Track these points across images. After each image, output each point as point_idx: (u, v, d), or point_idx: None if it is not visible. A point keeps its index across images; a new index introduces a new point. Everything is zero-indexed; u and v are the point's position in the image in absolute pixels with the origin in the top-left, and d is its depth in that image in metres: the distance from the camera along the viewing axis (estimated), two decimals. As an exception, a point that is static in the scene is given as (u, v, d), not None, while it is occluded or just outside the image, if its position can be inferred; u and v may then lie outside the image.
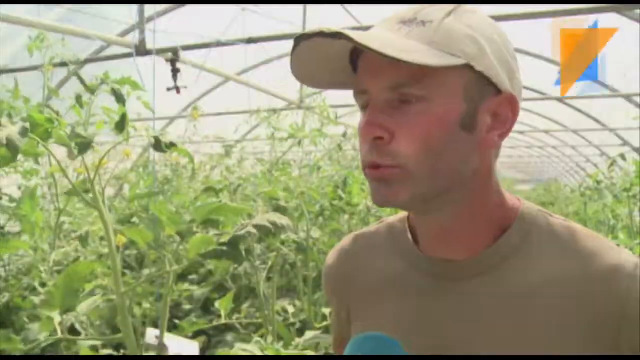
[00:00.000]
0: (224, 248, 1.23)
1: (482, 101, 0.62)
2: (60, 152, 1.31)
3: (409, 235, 0.74)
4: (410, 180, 0.62)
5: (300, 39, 0.61)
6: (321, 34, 0.58)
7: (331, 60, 0.66)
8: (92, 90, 1.55)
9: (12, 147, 0.97)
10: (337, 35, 0.56)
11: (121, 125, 1.41)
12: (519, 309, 0.64)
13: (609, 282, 0.61)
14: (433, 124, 0.61)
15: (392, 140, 0.62)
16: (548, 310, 0.63)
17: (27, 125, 1.02)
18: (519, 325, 0.63)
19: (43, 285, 2.26)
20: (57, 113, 1.31)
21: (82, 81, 1.54)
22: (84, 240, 2.08)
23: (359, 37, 0.56)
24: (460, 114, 0.61)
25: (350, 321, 0.81)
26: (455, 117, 0.61)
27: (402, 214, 0.79)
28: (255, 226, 1.23)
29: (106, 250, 2.34)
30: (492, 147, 0.65)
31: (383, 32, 0.63)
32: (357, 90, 0.66)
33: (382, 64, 0.60)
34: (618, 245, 0.66)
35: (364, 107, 0.65)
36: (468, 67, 0.60)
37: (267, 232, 1.24)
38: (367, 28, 0.69)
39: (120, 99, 1.51)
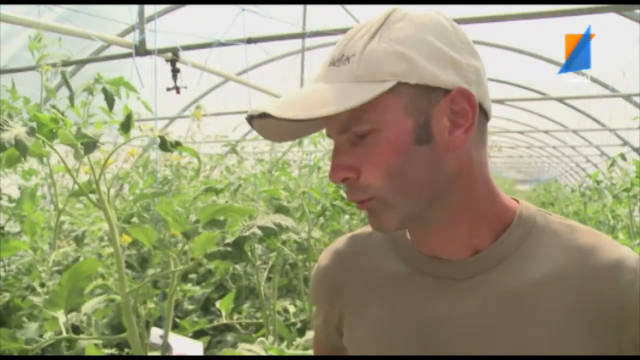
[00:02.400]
0: (229, 248, 1.23)
1: (433, 107, 0.61)
2: (61, 152, 1.31)
3: (408, 235, 0.74)
4: (390, 207, 0.64)
5: (248, 120, 0.62)
6: (252, 117, 0.61)
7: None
8: (82, 93, 1.54)
9: (20, 147, 0.98)
10: (263, 116, 0.59)
11: (126, 126, 1.41)
12: (521, 307, 0.63)
13: (610, 276, 0.61)
14: (388, 150, 0.62)
15: (360, 176, 0.64)
16: (550, 307, 0.63)
17: (35, 125, 1.02)
18: (521, 323, 0.63)
19: (43, 285, 2.26)
20: (62, 113, 1.31)
21: (67, 83, 1.53)
22: (79, 240, 2.06)
23: (278, 111, 0.59)
24: (411, 132, 0.61)
25: (340, 326, 0.80)
26: (407, 136, 0.61)
27: None
28: (260, 227, 1.23)
29: (106, 250, 2.34)
30: (461, 145, 0.63)
31: (312, 84, 0.65)
32: (326, 134, 0.69)
33: None
34: None
35: None
36: (403, 84, 0.60)
37: (271, 233, 1.24)
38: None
39: (110, 99, 1.50)
